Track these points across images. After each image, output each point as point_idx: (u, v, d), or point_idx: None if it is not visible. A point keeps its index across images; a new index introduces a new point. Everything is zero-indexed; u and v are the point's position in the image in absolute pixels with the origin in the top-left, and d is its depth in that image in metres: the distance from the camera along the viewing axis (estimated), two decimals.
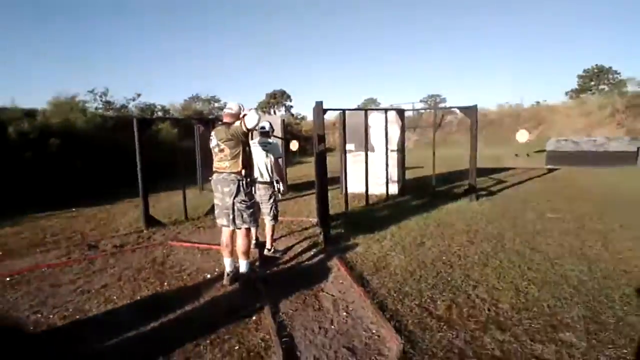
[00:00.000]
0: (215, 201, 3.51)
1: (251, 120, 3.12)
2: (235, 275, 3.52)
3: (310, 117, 47.35)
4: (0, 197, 7.57)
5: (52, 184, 8.70)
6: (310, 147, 24.06)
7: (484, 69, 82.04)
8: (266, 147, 4.15)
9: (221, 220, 3.48)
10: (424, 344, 2.46)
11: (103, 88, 16.20)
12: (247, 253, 3.51)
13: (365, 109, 7.09)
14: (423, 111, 32.12)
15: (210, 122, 7.04)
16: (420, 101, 49.40)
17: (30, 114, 10.19)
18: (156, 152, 11.41)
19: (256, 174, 4.07)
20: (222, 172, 3.37)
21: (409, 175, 8.35)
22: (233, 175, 3.32)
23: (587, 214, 5.61)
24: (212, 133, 3.43)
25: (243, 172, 3.34)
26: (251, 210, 3.43)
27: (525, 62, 75.65)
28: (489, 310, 2.86)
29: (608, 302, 2.89)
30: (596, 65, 37.69)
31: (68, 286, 3.68)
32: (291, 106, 48.22)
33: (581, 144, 11.86)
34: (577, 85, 38.77)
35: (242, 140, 3.30)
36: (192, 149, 8.81)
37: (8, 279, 3.88)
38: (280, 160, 4.32)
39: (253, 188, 3.53)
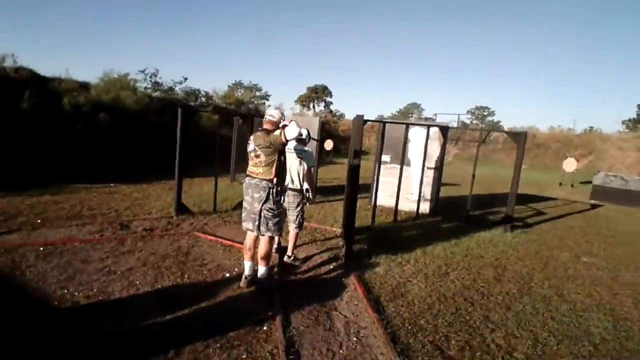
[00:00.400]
0: (244, 204, 3.56)
1: (291, 132, 3.13)
2: (253, 279, 3.57)
3: (348, 115, 47.14)
4: (47, 165, 8.09)
5: (97, 157, 9.20)
6: (345, 148, 24.04)
7: (539, 86, 78.51)
8: (301, 154, 4.16)
9: (247, 224, 3.53)
10: None
11: (154, 69, 16.92)
12: (267, 260, 3.55)
13: (407, 122, 6.95)
14: (468, 124, 31.33)
15: (249, 118, 7.15)
16: (467, 111, 47.76)
17: (84, 86, 10.79)
18: (196, 137, 11.82)
19: (287, 180, 4.10)
20: (255, 178, 3.41)
21: (443, 192, 8.13)
22: (265, 182, 3.36)
23: (624, 263, 5.26)
24: (251, 137, 3.48)
25: (275, 180, 3.37)
26: (277, 219, 3.46)
27: (584, 84, 71.71)
28: (502, 358, 2.74)
29: None
30: None
31: (96, 264, 3.88)
32: (331, 102, 48.23)
33: (630, 183, 11.07)
34: (636, 115, 36.37)
35: (278, 150, 3.33)
36: (230, 137, 9.03)
37: (42, 248, 4.13)
38: (312, 169, 4.32)
39: (282, 197, 3.55)
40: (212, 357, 2.54)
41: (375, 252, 4.74)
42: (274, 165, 3.35)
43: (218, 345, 2.66)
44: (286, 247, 4.33)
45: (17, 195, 6.27)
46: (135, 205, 6.43)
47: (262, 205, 3.38)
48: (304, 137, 4.30)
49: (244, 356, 2.56)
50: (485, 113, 47.27)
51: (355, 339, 2.88)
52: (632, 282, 4.51)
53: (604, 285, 4.36)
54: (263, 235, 3.47)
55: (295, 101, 47.94)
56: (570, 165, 15.28)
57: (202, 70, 78.33)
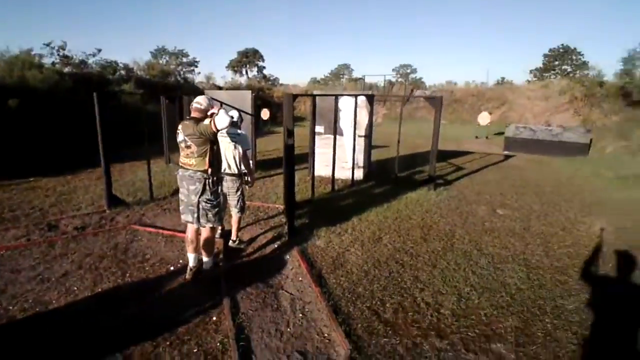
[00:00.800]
0: (181, 197, 3.52)
1: (221, 122, 3.09)
2: (199, 270, 3.63)
3: (282, 79, 46.24)
4: None
5: (9, 149, 8.22)
6: (281, 115, 23.55)
7: (455, 40, 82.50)
8: (235, 138, 4.13)
9: (186, 217, 3.52)
10: (370, 350, 2.72)
11: (60, 41, 14.99)
12: (211, 249, 3.61)
13: (336, 94, 7.06)
14: (394, 82, 32.38)
15: (177, 97, 6.80)
16: (392, 70, 49.72)
17: None
18: (120, 117, 10.97)
19: (224, 166, 4.08)
20: (189, 169, 3.36)
21: (374, 156, 8.57)
22: (199, 173, 3.33)
23: (534, 212, 6.05)
24: (180, 127, 3.38)
25: (210, 170, 3.34)
26: (217, 209, 3.48)
27: (496, 36, 76.60)
28: (431, 316, 3.15)
29: (540, 314, 3.22)
30: (562, 45, 38.73)
31: (28, 272, 3.68)
32: (264, 67, 46.69)
33: (538, 133, 12.42)
34: (542, 64, 39.91)
35: (210, 139, 3.29)
36: (158, 113, 8.49)
37: None
38: (248, 152, 4.33)
39: (219, 187, 3.55)
40: (163, 356, 2.62)
41: (316, 225, 4.98)
42: (207, 155, 3.31)
43: (168, 342, 2.74)
44: (230, 231, 4.39)
45: None
46: (61, 200, 5.98)
47: (200, 197, 3.37)
48: (235, 119, 4.26)
49: (195, 350, 2.68)
50: (409, 71, 49.45)
51: (301, 315, 3.13)
52: (541, 231, 5.19)
53: (518, 236, 5.00)
54: (204, 227, 3.49)
55: (227, 67, 45.69)
56: (484, 119, 16.61)
57: (118, 39, 70.61)
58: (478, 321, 3.10)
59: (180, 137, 3.36)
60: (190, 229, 3.57)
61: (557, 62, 39.23)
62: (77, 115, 10.11)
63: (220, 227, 4.40)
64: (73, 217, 5.23)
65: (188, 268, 3.63)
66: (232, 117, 4.21)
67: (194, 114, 3.38)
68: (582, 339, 2.91)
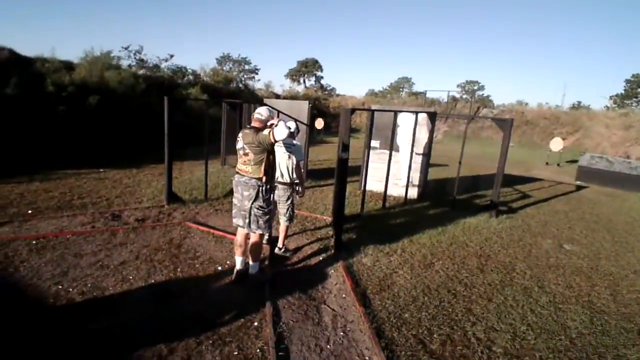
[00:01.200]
0: (234, 201, 3.61)
1: (280, 134, 3.14)
2: (245, 273, 3.66)
3: (339, 89, 46.75)
4: (33, 151, 7.97)
5: (84, 141, 9.06)
6: (335, 125, 23.94)
7: (529, 59, 78.37)
8: (290, 148, 4.17)
9: (237, 221, 3.59)
10: None
11: (138, 46, 16.41)
12: (258, 255, 3.63)
13: (395, 109, 6.93)
14: (458, 99, 31.25)
15: (239, 105, 7.08)
16: (457, 86, 47.79)
17: (68, 67, 10.46)
18: (185, 119, 11.69)
19: (277, 174, 4.14)
20: (244, 176, 3.45)
21: (432, 174, 8.24)
22: (254, 180, 3.40)
23: (605, 250, 5.46)
24: (240, 135, 3.49)
25: (264, 178, 3.41)
26: (267, 217, 3.52)
27: (574, 57, 71.66)
28: (482, 352, 2.90)
29: None
30: None
31: (89, 258, 3.94)
32: (321, 77, 47.46)
33: (615, 164, 11.30)
34: (624, 90, 36.61)
35: (267, 149, 3.35)
36: (219, 117, 8.90)
37: (34, 242, 4.16)
38: (301, 163, 4.35)
39: (272, 195, 3.59)
40: (205, 354, 2.65)
41: (364, 242, 4.85)
42: (263, 164, 3.38)
43: (210, 341, 2.77)
44: (277, 239, 4.42)
45: (5, 183, 6.22)
46: (125, 192, 6.42)
47: (252, 204, 3.43)
48: (292, 130, 4.31)
49: (236, 353, 2.68)
50: (475, 87, 47.10)
51: (342, 333, 3.02)
52: (611, 272, 4.68)
53: (584, 275, 4.54)
54: (254, 232, 3.53)
55: (285, 75, 47.11)
56: (557, 144, 15.50)
57: (188, 45, 76.17)
58: None
59: (239, 144, 3.46)
60: (241, 232, 3.63)
61: None
62: (147, 115, 10.91)
63: (269, 234, 4.45)
64: (135, 209, 5.58)
65: (235, 270, 3.68)
66: (289, 128, 4.29)
67: (254, 124, 3.48)
68: None
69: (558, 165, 15.50)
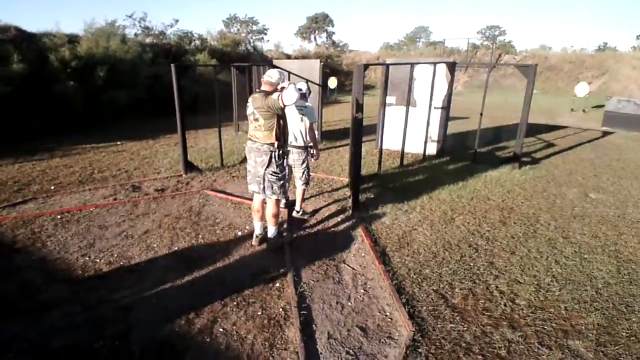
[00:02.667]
0: (248, 167, 3.58)
1: (289, 98, 3.02)
2: (264, 237, 3.71)
3: (352, 45, 45.05)
4: (50, 126, 8.11)
5: (99, 115, 9.13)
6: (349, 84, 23.25)
7: (552, 0, 72.86)
8: (302, 110, 4.06)
9: (252, 187, 3.58)
10: (434, 334, 2.57)
11: (142, 13, 16.04)
12: (276, 219, 3.63)
13: (411, 62, 6.58)
14: (478, 48, 29.62)
15: (247, 68, 6.89)
16: (477, 32, 45.26)
17: (73, 40, 10.32)
18: (195, 86, 11.56)
19: (290, 138, 4.06)
20: (256, 142, 3.39)
21: (451, 128, 7.97)
22: (266, 146, 3.34)
23: (633, 198, 5.25)
24: (249, 100, 3.40)
25: (276, 143, 3.33)
26: (282, 182, 3.49)
27: None
28: (505, 305, 2.89)
29: (627, 313, 2.82)
30: None
31: (114, 229, 4.05)
32: (333, 32, 45.74)
33: None
34: None
35: (277, 113, 3.26)
36: (230, 82, 8.74)
37: (59, 216, 4.30)
38: (314, 124, 4.24)
39: (285, 160, 3.54)
40: (230, 315, 2.73)
41: (382, 201, 4.82)
42: (274, 129, 3.29)
43: (235, 303, 2.85)
44: (294, 202, 4.42)
45: (27, 161, 6.39)
46: (144, 164, 6.51)
47: (266, 170, 3.39)
48: (304, 91, 4.18)
49: (259, 313, 2.76)
50: (497, 33, 44.43)
51: (362, 290, 3.06)
52: (638, 220, 4.51)
53: (611, 224, 4.39)
54: (270, 198, 3.52)
55: (295, 34, 45.61)
56: (582, 89, 14.65)
57: (193, 8, 73.89)
58: (557, 315, 2.79)
59: (249, 109, 3.38)
60: (257, 198, 3.63)
61: None
62: (157, 83, 10.83)
63: (285, 198, 4.46)
64: (154, 179, 5.67)
65: (254, 235, 3.73)
66: (300, 90, 4.15)
67: (264, 87, 3.36)
68: None
69: (584, 111, 14.75)
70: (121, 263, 3.40)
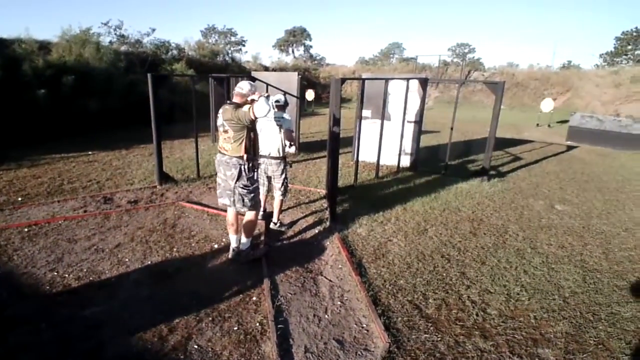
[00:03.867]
0: (218, 180, 3.56)
1: (260, 110, 3.03)
2: (240, 251, 3.68)
3: (329, 59, 45.84)
4: (19, 136, 7.78)
5: (71, 124, 8.84)
6: (326, 96, 23.54)
7: (519, 18, 76.92)
8: (279, 121, 4.10)
9: (224, 200, 3.54)
10: (409, 345, 2.62)
11: (117, 21, 15.74)
12: (251, 232, 3.62)
13: (386, 77, 6.78)
14: (448, 65, 30.77)
15: (225, 79, 6.89)
16: (448, 49, 47.32)
17: (45, 46, 10.02)
18: (172, 96, 11.41)
19: (269, 150, 4.09)
20: (225, 154, 3.37)
21: (423, 141, 8.20)
22: (235, 159, 3.31)
23: (596, 209, 5.55)
24: (220, 111, 3.38)
25: (245, 156, 3.30)
26: (252, 195, 3.47)
27: (564, 15, 70.39)
28: (477, 315, 2.98)
29: (594, 321, 2.96)
30: (636, 28, 34.77)
31: (83, 242, 3.92)
32: (310, 46, 46.36)
33: (605, 123, 11.31)
34: (613, 48, 36.23)
35: (247, 126, 3.25)
36: (207, 93, 8.68)
37: (27, 229, 4.12)
38: (293, 134, 4.29)
39: (255, 173, 3.51)
40: (205, 331, 2.69)
41: (358, 213, 4.88)
42: (244, 142, 3.28)
43: (210, 318, 2.81)
44: (272, 213, 4.42)
45: None
46: (116, 175, 6.34)
47: (236, 183, 3.36)
48: (282, 102, 4.24)
49: (236, 328, 2.72)
50: (466, 50, 46.49)
51: (339, 303, 3.08)
52: (602, 231, 4.77)
53: (576, 234, 4.61)
54: (240, 211, 3.50)
55: (273, 46, 45.92)
56: (547, 105, 15.47)
57: (171, 17, 73.29)
58: (526, 324, 2.90)
59: (219, 120, 3.36)
60: (231, 211, 3.60)
61: (630, 47, 35.33)
62: (131, 93, 10.61)
63: (263, 206, 4.46)
64: (127, 191, 5.52)
65: (231, 248, 3.69)
66: (278, 102, 4.21)
67: (235, 99, 3.36)
68: (637, 350, 2.64)
69: (549, 126, 15.52)
70: (91, 278, 3.29)
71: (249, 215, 3.54)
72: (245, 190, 3.40)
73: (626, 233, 4.72)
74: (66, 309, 2.85)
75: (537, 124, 15.74)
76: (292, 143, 4.21)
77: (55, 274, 3.32)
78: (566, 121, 13.32)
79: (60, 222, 4.36)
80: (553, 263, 3.87)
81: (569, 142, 11.58)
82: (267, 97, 4.22)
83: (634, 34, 34.91)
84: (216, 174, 6.10)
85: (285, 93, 7.14)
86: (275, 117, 4.11)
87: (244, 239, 3.61)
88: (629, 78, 18.62)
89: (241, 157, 3.31)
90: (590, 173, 7.81)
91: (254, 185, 3.49)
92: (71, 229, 4.20)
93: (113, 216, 4.58)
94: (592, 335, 2.80)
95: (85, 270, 3.40)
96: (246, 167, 3.35)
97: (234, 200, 3.43)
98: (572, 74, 23.78)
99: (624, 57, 35.27)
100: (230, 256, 3.66)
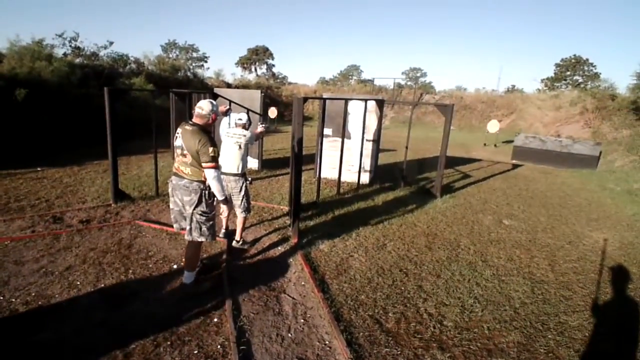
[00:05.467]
0: (171, 205, 3.31)
1: (213, 186, 3.08)
2: (200, 270, 3.59)
3: (291, 78, 46.54)
4: None
5: (18, 139, 8.28)
6: (288, 114, 23.72)
7: (466, 45, 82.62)
8: (240, 139, 4.14)
9: (181, 224, 3.33)
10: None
11: (73, 32, 15.14)
12: (194, 265, 3.37)
13: (346, 97, 7.03)
14: (402, 87, 32.36)
15: (187, 94, 6.82)
16: (402, 73, 50.04)
17: None
18: (130, 110, 11.05)
19: (228, 167, 4.08)
20: (184, 178, 3.13)
21: (381, 159, 8.52)
22: (196, 183, 3.11)
23: (541, 224, 5.99)
24: (179, 131, 3.14)
25: (207, 181, 3.12)
26: (211, 222, 3.27)
27: (508, 43, 76.53)
28: (434, 327, 3.11)
29: (543, 330, 3.18)
30: (574, 55, 38.37)
31: (31, 265, 3.69)
32: (273, 65, 46.82)
33: (547, 143, 12.32)
34: (553, 74, 39.61)
35: None
36: (167, 108, 8.51)
37: None
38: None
39: (215, 199, 3.27)
40: (163, 356, 2.61)
41: (320, 229, 4.97)
42: None
43: (168, 342, 2.73)
44: (234, 231, 4.38)
45: None
46: (67, 192, 6.01)
47: (194, 210, 3.14)
48: (244, 121, 4.28)
49: (196, 352, 2.66)
50: (419, 74, 49.45)
51: (302, 320, 3.10)
52: (547, 244, 5.13)
53: (524, 248, 4.95)
54: (196, 240, 3.24)
55: (236, 63, 45.86)
56: (493, 126, 16.57)
57: (129, 31, 71.34)
58: (481, 335, 3.06)
59: (178, 141, 3.13)
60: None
61: (568, 73, 38.87)
62: (86, 107, 10.16)
63: (225, 224, 4.44)
64: (78, 209, 5.25)
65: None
66: (240, 120, 4.27)
67: (195, 119, 3.16)
68: (584, 357, 2.86)
69: (495, 145, 16.59)
70: (40, 302, 3.10)
71: (193, 244, 3.27)
72: (204, 218, 3.19)
73: (570, 246, 5.12)
74: (13, 335, 2.68)
75: (485, 144, 16.79)
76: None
77: (1, 298, 3.11)
78: (511, 141, 14.32)
79: (6, 242, 4.08)
80: (503, 275, 4.12)
81: (514, 161, 12.44)
82: (228, 111, 4.25)
83: (572, 60, 38.43)
84: None
85: (248, 110, 7.18)
86: (235, 134, 4.15)
87: (188, 273, 3.34)
88: (568, 101, 20.41)
89: (202, 182, 3.13)
90: (535, 190, 8.42)
91: (213, 213, 3.28)
92: (18, 250, 3.94)
93: (63, 236, 4.34)
94: (543, 344, 3.00)
95: (33, 294, 3.20)
96: (207, 192, 3.16)
97: (190, 229, 3.19)
98: (516, 97, 25.78)
99: (563, 82, 38.61)
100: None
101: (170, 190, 3.29)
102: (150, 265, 3.83)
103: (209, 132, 3.17)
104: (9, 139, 8.11)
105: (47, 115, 9.13)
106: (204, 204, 3.17)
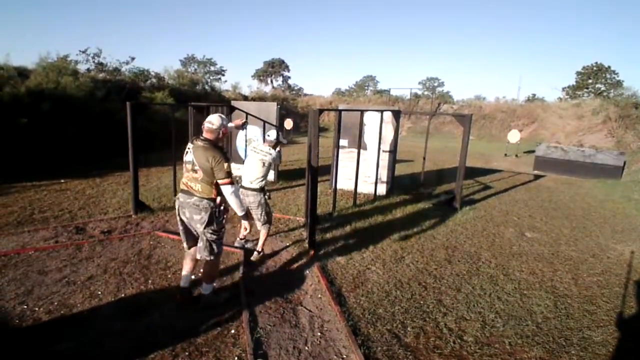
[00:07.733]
0: (180, 226, 3.21)
1: (231, 201, 3.03)
2: (189, 291, 3.41)
3: (307, 89, 47.09)
4: None
5: (43, 152, 8.60)
6: (304, 125, 23.95)
7: (485, 54, 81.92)
8: (266, 157, 4.16)
9: (191, 243, 3.27)
10: None
11: (96, 49, 15.76)
12: (213, 277, 3.34)
13: (361, 109, 7.05)
14: (419, 97, 32.23)
15: (205, 108, 6.97)
16: (419, 83, 49.82)
17: (22, 73, 9.88)
18: (150, 124, 11.34)
19: (248, 182, 4.12)
20: (194, 196, 3.02)
21: (398, 170, 8.46)
22: (206, 201, 3.00)
23: (564, 236, 5.81)
24: (190, 146, 3.07)
25: (219, 199, 3.05)
26: (220, 241, 3.21)
27: (528, 51, 75.57)
28: (454, 342, 3.03)
29: (566, 346, 3.07)
30: (596, 63, 37.50)
31: (54, 274, 3.77)
32: (289, 77, 47.49)
33: (570, 153, 12.03)
34: (575, 82, 38.78)
35: None
36: (186, 120, 8.68)
37: None
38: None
39: (226, 216, 3.21)
40: None
41: (337, 241, 4.94)
42: (215, 183, 3.03)
43: (187, 353, 2.74)
44: (251, 248, 4.40)
45: None
46: (89, 204, 6.17)
47: (205, 228, 3.05)
48: (272, 138, 4.31)
49: None
50: (436, 84, 48.97)
51: (319, 333, 3.07)
52: (571, 257, 4.98)
53: (546, 261, 4.80)
54: (207, 259, 3.17)
55: (252, 76, 46.75)
56: (514, 136, 16.30)
57: (151, 47, 73.96)
58: (502, 350, 2.97)
59: (188, 157, 3.04)
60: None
61: (590, 81, 38.00)
62: (108, 120, 10.49)
63: (244, 236, 4.45)
64: (100, 220, 5.38)
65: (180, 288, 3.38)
66: (269, 136, 4.30)
67: (206, 134, 3.06)
68: None
69: (516, 156, 16.28)
70: (62, 312, 3.16)
71: (208, 263, 3.22)
72: (215, 237, 3.10)
73: (594, 259, 4.95)
74: (35, 344, 2.73)
75: (505, 154, 16.50)
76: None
77: (25, 307, 3.18)
78: (532, 151, 14.05)
79: (30, 252, 4.20)
80: (525, 289, 4.00)
81: (535, 172, 12.17)
82: (244, 124, 4.25)
83: (594, 68, 37.61)
84: None
85: (264, 122, 7.28)
86: (261, 151, 4.18)
87: (205, 285, 3.30)
88: (590, 110, 19.94)
89: (213, 200, 3.02)
90: (557, 201, 8.20)
91: (222, 231, 3.21)
92: (42, 260, 4.05)
93: (85, 247, 4.44)
94: None
95: (56, 303, 3.27)
96: (218, 210, 3.07)
97: (200, 248, 3.12)
98: (537, 106, 25.31)
99: (585, 90, 37.74)
100: (178, 297, 3.36)
101: (178, 208, 3.17)
102: (169, 276, 3.88)
103: (221, 148, 3.15)
104: (35, 152, 8.42)
105: (73, 128, 9.45)
106: (214, 223, 3.08)
